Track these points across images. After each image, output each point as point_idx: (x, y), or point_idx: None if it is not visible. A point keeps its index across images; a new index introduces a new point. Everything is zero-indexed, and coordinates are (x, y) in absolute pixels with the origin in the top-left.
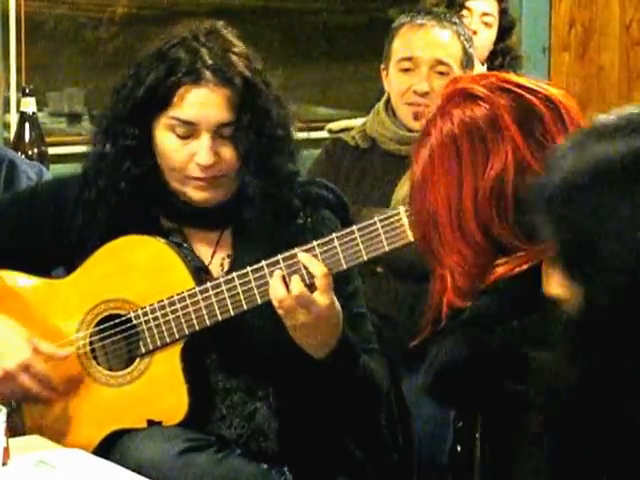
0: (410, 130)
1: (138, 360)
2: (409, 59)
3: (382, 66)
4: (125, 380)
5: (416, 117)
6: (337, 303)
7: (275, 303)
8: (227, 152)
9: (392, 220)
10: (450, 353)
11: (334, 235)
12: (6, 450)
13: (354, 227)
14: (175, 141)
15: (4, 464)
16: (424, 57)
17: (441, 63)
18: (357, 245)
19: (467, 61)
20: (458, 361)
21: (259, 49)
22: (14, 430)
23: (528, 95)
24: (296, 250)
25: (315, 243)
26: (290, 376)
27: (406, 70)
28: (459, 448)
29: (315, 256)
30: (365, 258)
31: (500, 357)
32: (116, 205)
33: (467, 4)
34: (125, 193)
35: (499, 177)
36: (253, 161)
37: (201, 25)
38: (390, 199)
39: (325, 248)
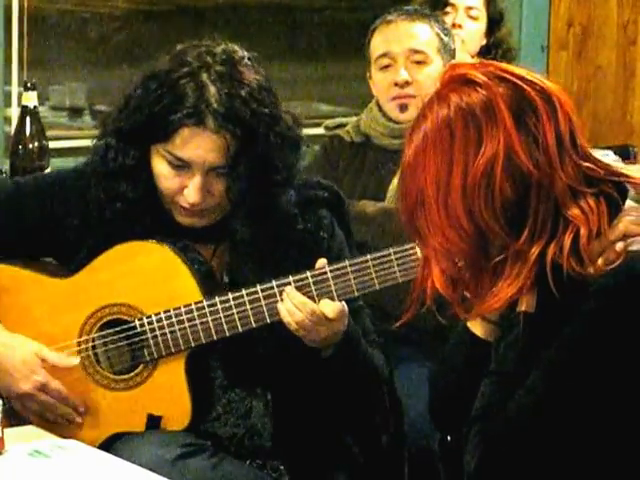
0: (400, 123)
1: (142, 366)
2: (385, 55)
3: (367, 74)
4: (128, 385)
5: (402, 109)
6: (344, 305)
7: (294, 325)
8: (218, 188)
9: (407, 254)
10: None
11: (347, 262)
12: (1, 440)
13: (368, 256)
14: (168, 170)
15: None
16: (398, 49)
17: (416, 52)
18: (370, 274)
19: (444, 48)
20: None
21: (262, 45)
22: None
23: (525, 86)
24: (307, 273)
25: (327, 268)
26: (288, 373)
27: (385, 67)
28: (449, 438)
29: (327, 280)
30: (377, 287)
31: None
32: (111, 220)
33: (451, 0)
34: (119, 212)
35: (489, 164)
36: (243, 207)
37: (216, 49)
38: (386, 192)
39: (337, 273)
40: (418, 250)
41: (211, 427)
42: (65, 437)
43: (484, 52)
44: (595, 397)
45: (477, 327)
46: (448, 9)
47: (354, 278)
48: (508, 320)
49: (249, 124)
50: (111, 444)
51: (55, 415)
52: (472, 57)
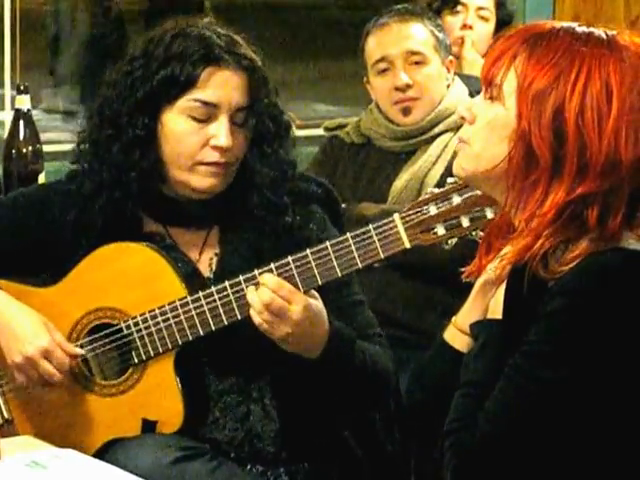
0: (401, 126)
1: (131, 369)
2: (382, 59)
3: (365, 79)
4: (118, 390)
5: (405, 112)
6: (313, 302)
7: (257, 319)
8: (239, 138)
9: (387, 227)
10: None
11: (328, 243)
12: None
13: (348, 235)
14: (191, 125)
15: None
16: (395, 52)
17: (413, 53)
18: (351, 253)
19: (440, 45)
20: None
21: (260, 44)
22: None
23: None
24: (289, 258)
25: (309, 251)
26: (284, 376)
27: (383, 71)
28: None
29: (308, 262)
30: (360, 266)
31: None
32: (118, 202)
33: None
34: (134, 182)
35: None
36: (265, 146)
37: (190, 21)
38: (387, 194)
39: (318, 255)
40: (399, 223)
41: (209, 432)
42: (61, 446)
43: None
44: (563, 402)
45: (456, 340)
46: (459, 8)
47: (336, 259)
48: (476, 328)
49: (257, 62)
50: (108, 448)
51: (52, 382)
52: (483, 57)
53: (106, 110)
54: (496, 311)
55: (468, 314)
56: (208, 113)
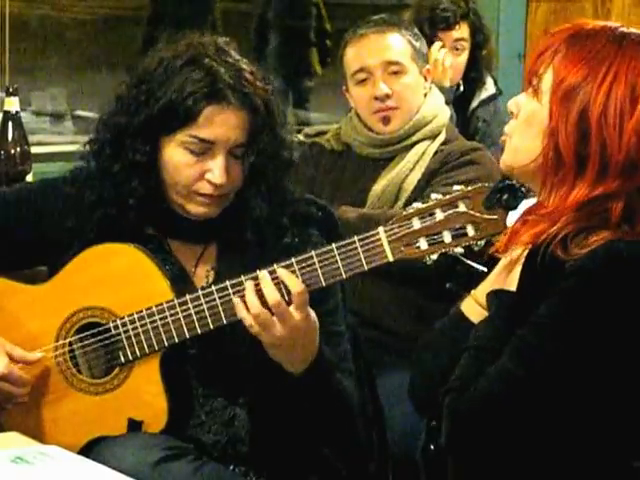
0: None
1: (118, 369)
2: (361, 70)
3: (343, 88)
4: (105, 388)
5: (385, 122)
6: (314, 317)
7: (249, 321)
8: (236, 171)
9: (371, 240)
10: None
11: (313, 253)
12: None
13: (333, 245)
14: (188, 157)
15: None
16: (374, 63)
17: (391, 63)
18: (336, 263)
19: (417, 54)
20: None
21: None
22: None
23: None
24: (275, 266)
25: (294, 260)
26: (269, 383)
27: (362, 81)
28: (432, 447)
29: (293, 272)
30: (344, 277)
31: None
32: (115, 216)
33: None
34: (132, 209)
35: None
36: (262, 183)
37: (206, 41)
38: (365, 199)
39: (304, 264)
40: (383, 236)
41: (194, 433)
42: (46, 442)
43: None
44: (564, 375)
45: (473, 312)
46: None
47: (320, 268)
48: (491, 297)
49: (262, 98)
50: (93, 447)
51: (17, 401)
52: (453, 85)
53: (110, 127)
54: (512, 285)
55: (488, 288)
56: (205, 148)
